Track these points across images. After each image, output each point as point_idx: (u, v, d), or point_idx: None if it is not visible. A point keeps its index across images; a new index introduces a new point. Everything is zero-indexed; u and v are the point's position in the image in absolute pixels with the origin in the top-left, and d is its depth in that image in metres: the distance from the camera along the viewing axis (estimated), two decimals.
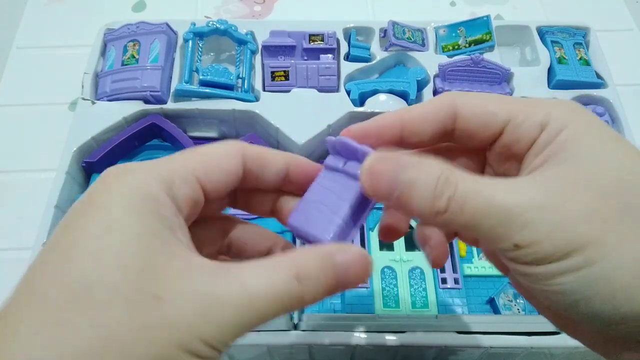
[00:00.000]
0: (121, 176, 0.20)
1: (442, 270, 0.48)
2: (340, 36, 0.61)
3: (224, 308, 0.19)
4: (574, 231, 0.19)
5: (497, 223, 0.19)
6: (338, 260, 0.21)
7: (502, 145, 0.24)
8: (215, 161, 0.23)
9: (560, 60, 0.60)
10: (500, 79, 0.58)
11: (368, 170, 0.22)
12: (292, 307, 0.20)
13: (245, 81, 0.57)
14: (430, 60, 0.59)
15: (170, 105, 0.55)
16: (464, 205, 0.20)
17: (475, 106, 0.23)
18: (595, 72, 0.60)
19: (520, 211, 0.19)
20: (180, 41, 0.60)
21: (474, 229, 0.20)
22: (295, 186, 0.26)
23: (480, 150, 0.26)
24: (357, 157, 0.23)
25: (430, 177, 0.20)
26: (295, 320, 0.45)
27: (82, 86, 0.56)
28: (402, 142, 0.24)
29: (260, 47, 0.60)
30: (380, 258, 0.48)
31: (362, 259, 0.21)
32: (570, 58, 0.60)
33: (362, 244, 0.49)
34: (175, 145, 0.55)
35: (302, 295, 0.20)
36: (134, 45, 0.57)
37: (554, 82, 0.58)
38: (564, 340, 0.44)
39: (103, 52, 0.60)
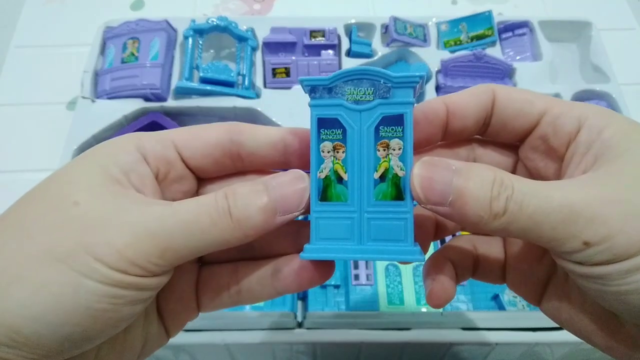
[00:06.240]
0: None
1: None
2: (342, 32, 0.61)
3: (143, 216, 0.19)
4: None
5: (561, 221, 0.18)
6: (270, 181, 0.21)
7: (538, 137, 0.23)
8: (194, 132, 0.24)
9: None
10: (502, 74, 0.57)
11: (419, 176, 0.20)
12: (221, 222, 0.20)
13: (246, 78, 0.57)
14: (432, 56, 0.59)
15: (171, 103, 0.55)
16: (522, 205, 0.19)
17: (512, 93, 0.23)
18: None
19: (584, 206, 0.18)
20: (180, 38, 0.60)
21: (534, 231, 0.19)
22: (297, 156, 0.24)
23: (512, 148, 0.25)
24: None
25: (486, 179, 0.19)
26: (300, 319, 0.45)
27: (82, 84, 0.56)
28: (447, 127, 0.24)
29: (260, 43, 0.60)
30: None
31: (295, 179, 0.22)
32: None
33: None
34: None
35: (227, 208, 0.20)
36: (134, 42, 0.57)
37: None
38: (568, 336, 0.43)
39: (102, 51, 0.59)
